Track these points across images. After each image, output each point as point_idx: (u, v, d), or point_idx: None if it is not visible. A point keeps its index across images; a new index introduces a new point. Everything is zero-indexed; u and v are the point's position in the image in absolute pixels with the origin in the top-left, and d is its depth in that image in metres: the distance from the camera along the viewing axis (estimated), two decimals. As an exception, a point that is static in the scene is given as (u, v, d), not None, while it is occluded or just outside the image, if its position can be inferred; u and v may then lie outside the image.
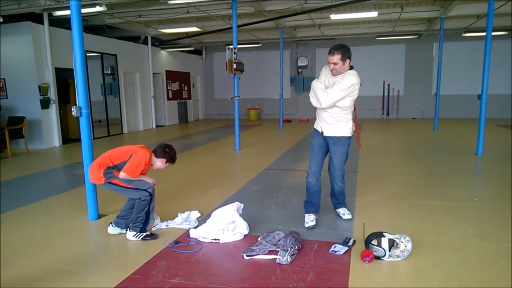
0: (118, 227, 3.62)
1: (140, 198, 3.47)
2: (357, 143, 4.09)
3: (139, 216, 3.47)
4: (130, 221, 3.55)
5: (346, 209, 3.94)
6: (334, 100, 3.53)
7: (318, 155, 3.82)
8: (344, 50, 3.49)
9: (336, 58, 3.48)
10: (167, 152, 3.61)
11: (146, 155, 3.49)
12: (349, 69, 3.61)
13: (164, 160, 3.60)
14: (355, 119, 3.82)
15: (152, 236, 3.50)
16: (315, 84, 3.69)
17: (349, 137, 3.74)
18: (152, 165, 3.60)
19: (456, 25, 12.41)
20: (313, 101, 3.68)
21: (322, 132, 3.77)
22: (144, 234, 3.49)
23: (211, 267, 2.94)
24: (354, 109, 3.76)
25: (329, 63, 3.55)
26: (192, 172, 6.34)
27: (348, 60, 3.54)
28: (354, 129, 3.78)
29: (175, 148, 3.70)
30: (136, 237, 3.47)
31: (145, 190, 3.46)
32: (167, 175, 5.88)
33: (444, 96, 12.66)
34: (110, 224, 3.66)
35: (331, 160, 3.81)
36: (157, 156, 3.59)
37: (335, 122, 3.66)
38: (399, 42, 14.78)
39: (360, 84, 3.58)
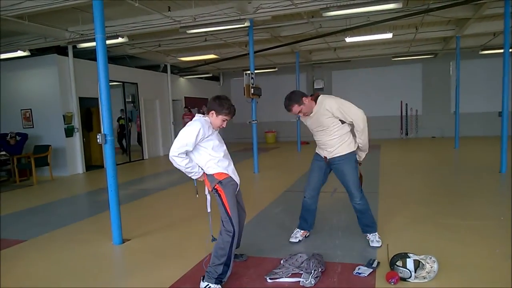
0: None
1: (223, 229, 2.90)
2: None
3: (217, 259, 2.83)
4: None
5: (376, 235, 3.71)
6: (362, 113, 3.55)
7: (316, 177, 3.83)
8: (291, 98, 3.49)
9: (295, 109, 3.51)
10: (215, 101, 2.95)
11: (194, 123, 2.90)
12: (316, 98, 3.59)
13: (214, 112, 2.97)
14: None
15: None
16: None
17: (354, 153, 3.66)
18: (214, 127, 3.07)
19: (472, 43, 12.35)
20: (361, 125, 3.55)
21: (325, 158, 3.74)
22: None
23: (235, 290, 2.95)
24: None
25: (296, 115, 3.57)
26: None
27: (304, 98, 3.50)
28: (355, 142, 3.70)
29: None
30: None
31: (231, 224, 2.91)
32: (186, 200, 5.88)
33: (463, 114, 12.48)
34: None
35: (344, 183, 3.70)
36: (208, 112, 2.99)
37: (338, 143, 3.64)
38: (415, 62, 14.75)
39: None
